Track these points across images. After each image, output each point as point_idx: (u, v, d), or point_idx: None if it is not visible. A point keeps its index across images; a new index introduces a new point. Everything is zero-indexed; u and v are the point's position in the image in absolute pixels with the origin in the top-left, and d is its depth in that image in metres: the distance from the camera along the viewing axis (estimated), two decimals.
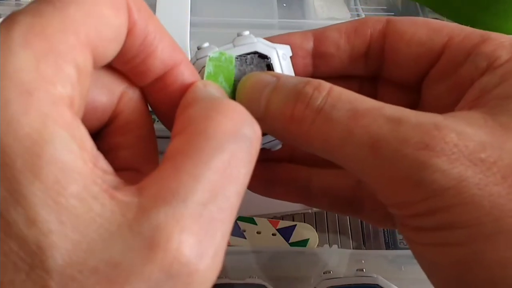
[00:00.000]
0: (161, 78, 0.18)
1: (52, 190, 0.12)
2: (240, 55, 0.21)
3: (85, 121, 0.14)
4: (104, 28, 0.15)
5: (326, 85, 0.18)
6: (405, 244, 0.37)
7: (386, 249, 0.37)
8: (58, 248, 0.12)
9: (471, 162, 0.15)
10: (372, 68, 0.24)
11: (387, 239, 0.37)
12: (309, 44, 0.23)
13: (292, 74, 0.22)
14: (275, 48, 0.21)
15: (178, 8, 0.33)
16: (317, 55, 0.23)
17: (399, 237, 0.37)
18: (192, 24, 0.30)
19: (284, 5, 0.45)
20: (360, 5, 0.46)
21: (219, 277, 0.35)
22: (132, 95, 0.18)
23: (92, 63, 0.15)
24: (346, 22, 0.24)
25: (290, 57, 0.22)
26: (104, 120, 0.18)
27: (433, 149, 0.15)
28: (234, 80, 0.21)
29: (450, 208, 0.15)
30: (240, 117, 0.15)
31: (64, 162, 0.12)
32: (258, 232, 0.36)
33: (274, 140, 0.22)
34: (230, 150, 0.14)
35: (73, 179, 0.12)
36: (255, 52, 0.21)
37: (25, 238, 0.12)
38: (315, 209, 0.37)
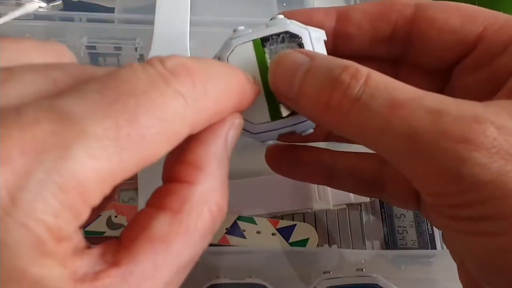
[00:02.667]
0: None
1: None
2: (271, 35, 0.20)
3: None
4: None
5: (363, 72, 0.17)
6: (405, 244, 0.37)
7: (386, 249, 0.37)
8: None
9: (511, 157, 0.15)
10: (396, 51, 0.23)
11: (387, 238, 0.37)
12: (331, 23, 0.23)
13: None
14: (307, 30, 0.21)
15: (178, 7, 0.33)
16: (338, 34, 0.23)
17: (399, 236, 0.37)
18: (192, 24, 0.30)
19: (284, 4, 0.45)
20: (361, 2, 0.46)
21: (219, 277, 0.35)
22: None
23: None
24: (371, 3, 0.23)
25: (325, 41, 0.21)
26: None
27: (473, 143, 0.15)
28: (267, 60, 0.20)
29: (488, 201, 0.16)
30: (217, 208, 0.17)
31: None
32: (258, 232, 0.36)
33: (305, 121, 0.21)
34: (199, 241, 0.16)
35: None
36: (287, 32, 0.20)
37: None
38: (315, 209, 0.37)
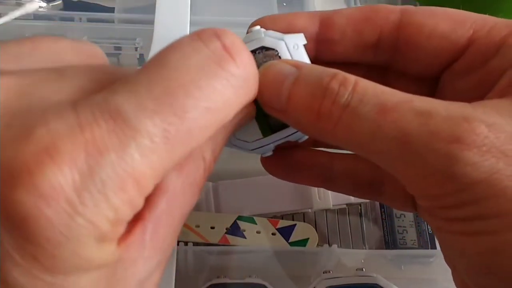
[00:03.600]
0: None
1: None
2: (252, 51, 0.20)
3: None
4: None
5: (351, 79, 0.17)
6: (405, 243, 0.37)
7: (386, 248, 0.37)
8: None
9: (503, 154, 0.15)
10: (382, 58, 0.23)
11: (387, 238, 0.37)
12: (314, 28, 0.22)
13: (307, 62, 0.21)
14: (283, 40, 0.20)
15: (178, 7, 0.33)
16: (321, 40, 0.22)
17: (399, 236, 0.37)
18: (192, 24, 0.30)
19: (284, 4, 0.45)
20: (360, 4, 0.46)
21: (219, 277, 0.35)
22: None
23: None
24: (356, 8, 0.22)
25: (304, 45, 0.21)
26: None
27: (464, 142, 0.15)
28: None
29: (482, 201, 0.15)
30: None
31: None
32: (258, 232, 0.36)
33: (297, 132, 0.21)
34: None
35: None
36: (262, 47, 0.20)
37: None
38: (315, 209, 0.37)
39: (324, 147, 0.26)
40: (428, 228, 0.37)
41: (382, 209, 0.38)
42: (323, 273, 0.33)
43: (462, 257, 0.17)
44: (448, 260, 0.19)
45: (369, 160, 0.18)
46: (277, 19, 0.22)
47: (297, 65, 0.19)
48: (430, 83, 0.23)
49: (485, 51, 0.20)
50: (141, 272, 0.15)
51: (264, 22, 0.22)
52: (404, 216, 0.38)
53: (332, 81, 0.17)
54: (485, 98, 0.19)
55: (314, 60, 0.22)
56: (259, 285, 0.33)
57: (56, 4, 0.43)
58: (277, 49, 0.20)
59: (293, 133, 0.21)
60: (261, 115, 0.20)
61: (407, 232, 0.37)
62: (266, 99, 0.19)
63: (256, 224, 0.36)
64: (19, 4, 0.41)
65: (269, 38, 0.20)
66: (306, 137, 0.22)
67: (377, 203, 0.39)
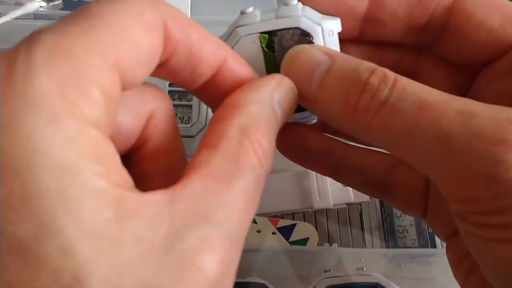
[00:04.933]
0: (211, 79, 0.18)
1: (86, 219, 0.12)
2: (280, 29, 0.19)
3: None
4: (135, 51, 0.14)
5: (391, 76, 0.17)
6: (405, 243, 0.37)
7: (386, 247, 0.37)
8: (95, 275, 0.12)
9: None
10: (424, 41, 0.22)
11: (387, 238, 0.37)
12: (363, 7, 0.21)
13: (338, 51, 0.20)
14: (320, 25, 0.19)
15: (178, 7, 0.33)
16: (369, 20, 0.21)
17: (399, 236, 0.37)
18: None
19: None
20: None
21: None
22: (161, 117, 0.17)
23: (120, 87, 0.14)
24: None
25: (339, 32, 0.20)
26: (129, 144, 0.17)
27: (509, 144, 0.15)
28: (274, 56, 0.20)
29: None
30: (267, 148, 0.16)
31: (95, 190, 0.12)
32: (258, 231, 0.36)
33: (310, 115, 0.21)
34: (253, 187, 0.15)
35: (105, 205, 0.12)
36: (297, 28, 0.19)
37: (59, 270, 0.11)
38: (315, 208, 0.37)
39: (335, 134, 0.25)
40: (428, 228, 0.37)
41: (382, 209, 0.39)
42: (324, 272, 0.33)
43: (494, 263, 0.17)
44: (477, 261, 0.18)
45: (390, 156, 0.18)
46: None
47: (330, 54, 0.18)
48: (467, 75, 0.22)
49: None
50: None
51: None
52: (404, 216, 0.38)
53: (371, 76, 0.17)
54: None
55: (358, 39, 0.21)
56: (260, 285, 0.33)
57: (56, 4, 0.43)
58: (312, 34, 0.19)
59: (307, 117, 0.21)
60: None
61: (407, 232, 0.37)
62: (295, 84, 0.18)
63: (256, 223, 0.36)
64: (19, 4, 0.41)
65: (306, 20, 0.19)
66: (314, 121, 0.22)
67: (378, 203, 0.39)
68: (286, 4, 0.19)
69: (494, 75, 0.20)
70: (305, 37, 0.19)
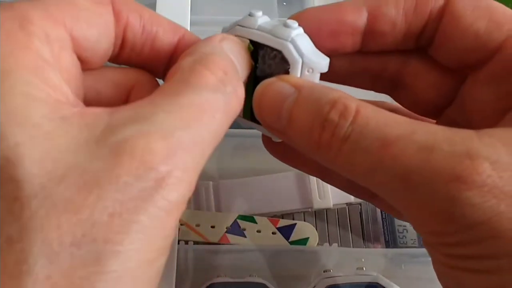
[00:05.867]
0: (173, 58, 0.19)
1: (16, 112, 0.13)
2: (267, 46, 0.19)
3: None
4: (78, 12, 0.16)
5: (352, 108, 0.17)
6: (405, 242, 0.37)
7: (386, 247, 0.37)
8: (26, 158, 0.12)
9: (505, 195, 0.14)
10: (422, 45, 0.22)
11: (387, 237, 0.37)
12: (362, 21, 0.21)
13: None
14: (302, 58, 0.19)
15: (178, 7, 0.33)
16: (369, 32, 0.21)
17: (399, 235, 0.37)
18: (192, 23, 0.30)
19: (284, 3, 0.45)
20: None
21: (219, 276, 0.35)
22: (142, 89, 0.18)
23: (68, 38, 0.15)
24: None
25: (323, 72, 0.20)
26: None
27: (465, 182, 0.15)
28: (255, 66, 0.20)
29: (481, 241, 0.15)
30: (223, 72, 0.16)
31: (26, 92, 0.13)
32: (258, 231, 0.36)
33: None
34: (206, 98, 0.15)
35: (37, 104, 0.13)
36: (280, 52, 0.19)
37: None
38: (315, 208, 0.37)
39: None
40: None
41: None
42: (323, 272, 0.33)
43: None
44: None
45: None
46: (323, 11, 0.21)
47: (298, 85, 0.18)
48: (457, 79, 0.21)
49: (509, 63, 0.19)
50: None
51: (308, 17, 0.20)
52: None
53: (331, 111, 0.17)
54: (499, 124, 0.18)
55: (360, 51, 0.21)
56: (260, 284, 0.33)
57: None
58: (291, 64, 0.19)
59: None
60: (250, 95, 0.19)
61: (407, 231, 0.37)
62: (265, 119, 0.18)
63: (256, 223, 0.36)
64: None
65: (292, 48, 0.19)
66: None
67: None
68: (286, 25, 0.19)
69: (479, 81, 0.20)
70: (284, 63, 0.19)
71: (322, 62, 0.20)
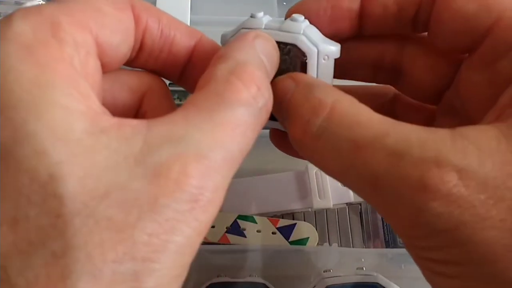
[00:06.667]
0: (190, 62, 0.19)
1: (58, 126, 0.13)
2: (279, 42, 0.19)
3: None
4: (103, 18, 0.16)
5: (326, 104, 0.17)
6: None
7: (386, 247, 0.37)
8: (69, 176, 0.13)
9: (470, 204, 0.14)
10: (419, 29, 0.21)
11: (387, 237, 0.37)
12: (356, 4, 0.21)
13: (330, 77, 0.21)
14: (317, 47, 0.20)
15: (178, 6, 0.33)
16: (364, 16, 0.21)
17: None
18: (192, 23, 0.30)
19: (284, 3, 0.45)
20: None
21: (219, 276, 0.35)
22: (155, 95, 0.19)
23: (93, 43, 0.15)
24: None
25: (336, 58, 0.20)
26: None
27: (430, 191, 0.15)
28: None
29: (446, 248, 0.15)
30: (257, 87, 0.16)
31: (66, 105, 0.13)
32: (258, 231, 0.36)
33: None
34: (239, 114, 0.15)
35: (77, 117, 0.13)
36: (294, 45, 0.19)
37: (35, 170, 0.12)
38: (315, 208, 0.37)
39: None
40: None
41: None
42: (323, 272, 0.33)
43: None
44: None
45: None
46: (321, 3, 0.21)
47: (297, 80, 0.19)
48: (456, 61, 0.21)
49: (497, 48, 0.18)
50: None
51: (307, 7, 0.21)
52: None
53: (304, 106, 0.17)
54: (484, 118, 0.17)
55: (357, 35, 0.22)
56: (259, 284, 0.33)
57: None
58: (307, 54, 0.20)
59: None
60: None
61: None
62: (275, 113, 0.19)
63: (256, 223, 0.36)
64: (19, 4, 0.41)
65: (305, 39, 0.19)
66: None
67: None
68: (293, 19, 0.20)
69: (472, 65, 0.20)
70: (300, 55, 0.20)
71: (335, 48, 0.20)
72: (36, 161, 0.12)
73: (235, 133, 0.15)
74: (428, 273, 0.17)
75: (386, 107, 0.25)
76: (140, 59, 0.19)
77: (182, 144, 0.14)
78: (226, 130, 0.15)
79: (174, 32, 0.18)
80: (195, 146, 0.14)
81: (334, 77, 0.21)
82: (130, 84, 0.18)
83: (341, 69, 0.22)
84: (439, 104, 0.23)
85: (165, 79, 0.20)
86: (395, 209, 0.16)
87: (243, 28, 0.20)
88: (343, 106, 0.17)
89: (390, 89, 0.24)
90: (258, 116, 0.16)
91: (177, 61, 0.19)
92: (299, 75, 0.19)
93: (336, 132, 0.16)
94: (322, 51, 0.20)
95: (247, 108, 0.15)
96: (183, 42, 0.19)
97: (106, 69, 0.17)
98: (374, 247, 0.38)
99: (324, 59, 0.20)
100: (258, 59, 0.17)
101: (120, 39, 0.17)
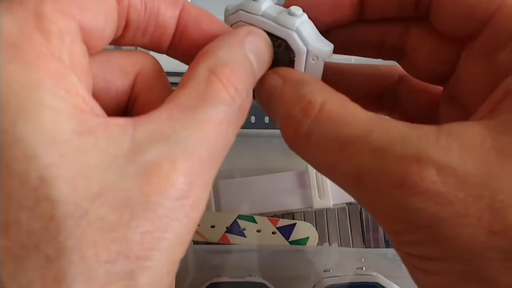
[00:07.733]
0: (177, 31, 0.19)
1: (46, 128, 0.13)
2: (272, 34, 0.19)
3: (99, 101, 0.15)
4: (85, 1, 0.16)
5: (316, 104, 0.17)
6: None
7: (386, 247, 0.37)
8: (60, 177, 0.12)
9: (448, 201, 0.14)
10: (422, 13, 0.21)
11: (387, 237, 0.37)
12: None
13: (318, 78, 0.20)
14: (307, 47, 0.19)
15: None
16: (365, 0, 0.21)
17: None
18: None
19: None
20: None
21: (219, 275, 0.35)
22: (147, 74, 0.19)
23: (77, 29, 0.15)
24: None
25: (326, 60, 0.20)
26: (122, 103, 0.18)
27: (409, 187, 0.15)
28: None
29: (425, 244, 0.15)
30: (235, 88, 0.16)
31: (54, 106, 0.13)
32: (258, 231, 0.36)
33: None
34: (221, 112, 0.16)
35: (65, 118, 0.13)
36: (285, 41, 0.19)
37: (26, 173, 0.12)
38: (315, 208, 0.37)
39: None
40: None
41: None
42: (323, 271, 0.33)
43: (418, 285, 0.17)
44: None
45: None
46: None
47: (284, 76, 0.19)
48: (459, 47, 0.21)
49: (497, 37, 0.18)
50: None
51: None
52: None
53: (295, 106, 0.17)
54: (477, 112, 0.17)
55: (359, 19, 0.22)
56: (259, 284, 0.33)
57: None
58: (296, 53, 0.19)
59: None
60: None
61: None
62: (264, 108, 0.19)
63: (256, 223, 0.36)
64: None
65: (296, 37, 0.19)
66: None
67: None
68: (290, 13, 0.19)
69: (472, 53, 0.20)
70: (289, 52, 0.19)
71: (327, 49, 0.20)
72: (26, 164, 0.12)
73: (219, 130, 0.15)
74: (411, 269, 0.17)
75: (391, 88, 0.25)
76: (127, 36, 0.18)
77: (170, 142, 0.14)
78: (210, 127, 0.15)
79: (158, 4, 0.18)
80: (183, 143, 0.14)
81: (338, 53, 0.21)
82: (122, 65, 0.18)
83: (345, 48, 0.22)
84: (443, 87, 0.22)
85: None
86: (378, 204, 0.16)
87: (241, 9, 0.20)
88: (332, 106, 0.17)
89: (396, 70, 0.24)
90: (237, 115, 0.16)
91: (164, 32, 0.19)
92: (286, 70, 0.19)
93: (323, 131, 0.17)
94: (312, 52, 0.19)
95: (228, 107, 0.16)
96: (168, 13, 0.18)
97: (92, 51, 0.17)
98: (374, 247, 0.38)
99: (313, 59, 0.19)
100: (243, 58, 0.17)
101: (104, 20, 0.17)
